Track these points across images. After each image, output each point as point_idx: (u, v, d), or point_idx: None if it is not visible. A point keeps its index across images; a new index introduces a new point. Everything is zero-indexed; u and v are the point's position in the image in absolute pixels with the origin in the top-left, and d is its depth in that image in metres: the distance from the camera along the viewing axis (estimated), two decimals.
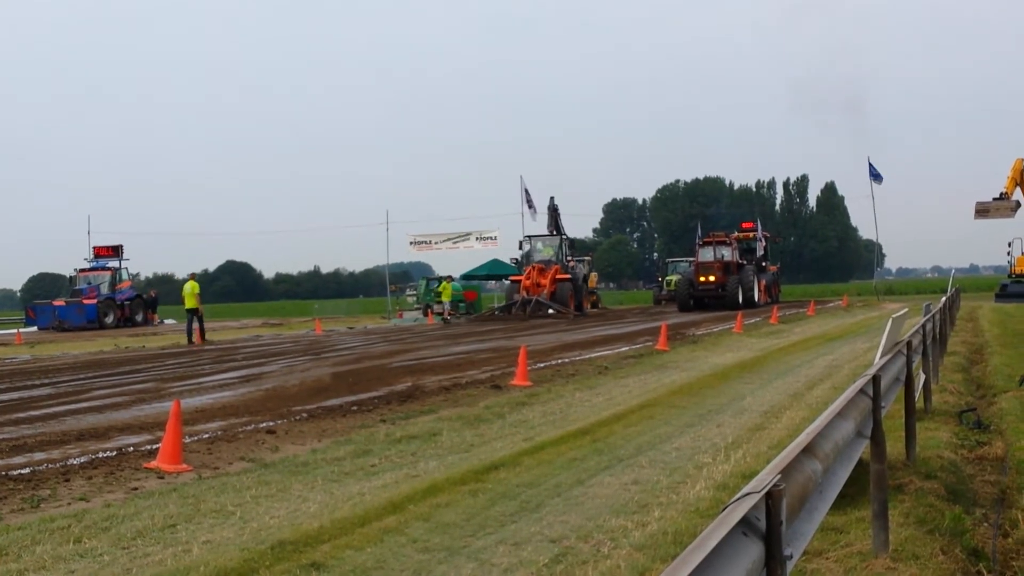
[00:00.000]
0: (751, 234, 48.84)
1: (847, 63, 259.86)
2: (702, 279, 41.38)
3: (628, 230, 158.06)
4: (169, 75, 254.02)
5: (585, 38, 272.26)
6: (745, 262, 43.97)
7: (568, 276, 40.32)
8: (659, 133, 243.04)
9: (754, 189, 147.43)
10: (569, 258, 42.71)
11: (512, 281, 41.83)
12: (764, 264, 47.87)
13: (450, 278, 47.77)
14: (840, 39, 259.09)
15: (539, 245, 42.56)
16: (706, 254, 42.61)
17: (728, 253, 42.66)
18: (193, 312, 28.25)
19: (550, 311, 38.11)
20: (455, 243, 51.31)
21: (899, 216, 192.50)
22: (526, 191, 48.18)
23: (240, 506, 6.59)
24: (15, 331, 39.56)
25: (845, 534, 5.38)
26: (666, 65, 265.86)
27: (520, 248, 42.72)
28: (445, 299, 41.05)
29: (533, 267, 40.37)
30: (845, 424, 4.19)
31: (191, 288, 28.36)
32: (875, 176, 47.58)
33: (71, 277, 46.99)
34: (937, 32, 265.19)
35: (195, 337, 28.11)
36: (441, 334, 28.73)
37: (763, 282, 44.95)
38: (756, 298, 42.10)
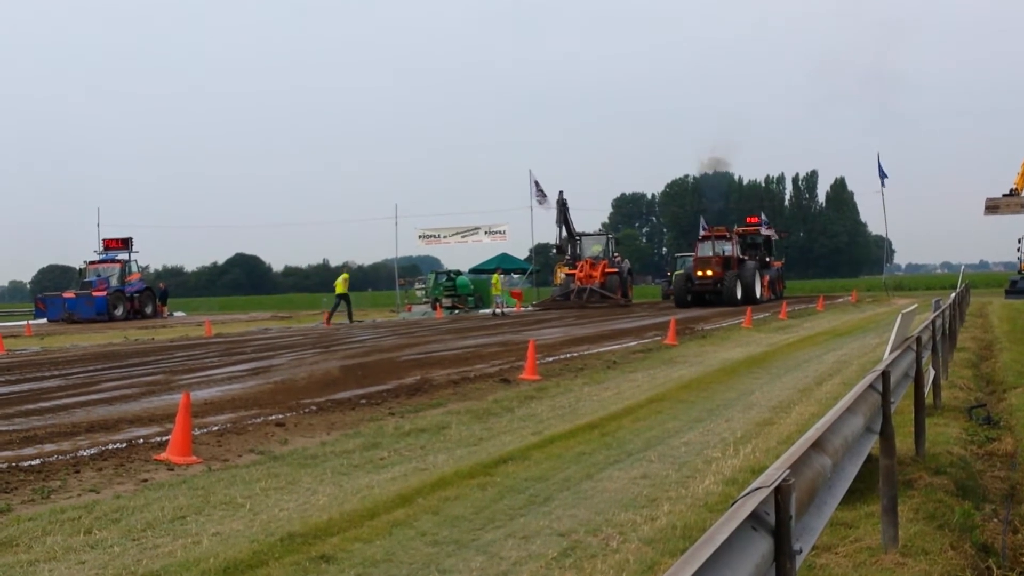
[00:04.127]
0: (755, 228, 48.14)
1: (857, 60, 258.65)
2: (700, 274, 40.74)
3: (637, 225, 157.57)
4: (178, 70, 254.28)
5: (594, 33, 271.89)
6: (747, 257, 43.41)
7: (616, 270, 45.23)
8: (667, 127, 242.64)
9: (763, 184, 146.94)
10: (615, 254, 47.57)
11: (567, 274, 46.16)
12: (768, 259, 47.31)
13: (458, 272, 47.85)
14: (852, 34, 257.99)
15: (589, 242, 48.11)
16: (705, 249, 41.98)
17: (728, 248, 41.91)
18: (341, 297, 34.08)
19: (603, 297, 43.23)
20: (464, 237, 51.42)
21: (909, 212, 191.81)
22: (536, 183, 48.48)
23: (249, 498, 6.62)
24: (25, 323, 39.73)
25: (854, 529, 5.37)
26: (675, 60, 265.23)
27: (572, 244, 47.94)
28: (496, 292, 40.78)
29: (585, 261, 45.51)
30: (855, 419, 4.18)
31: (343, 278, 34.60)
32: (881, 175, 47.35)
33: (81, 269, 47.09)
34: (948, 28, 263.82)
35: (326, 319, 33.69)
36: (450, 328, 28.76)
37: (766, 278, 44.18)
38: (758, 294, 41.27)
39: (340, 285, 34.37)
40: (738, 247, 42.95)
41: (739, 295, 39.61)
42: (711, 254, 41.29)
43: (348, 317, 34.40)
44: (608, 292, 43.94)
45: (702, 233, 44.54)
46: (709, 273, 40.38)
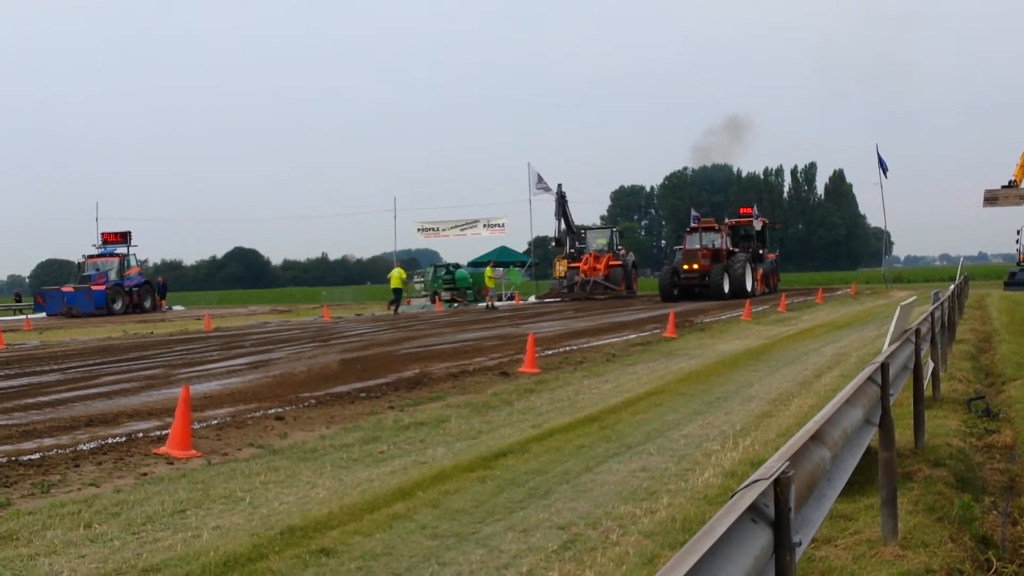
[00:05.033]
0: (748, 220, 47.24)
1: (857, 54, 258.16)
2: (686, 267, 39.77)
3: (636, 217, 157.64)
4: (178, 67, 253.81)
5: (594, 28, 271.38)
6: (739, 249, 42.60)
7: (619, 262, 46.11)
8: (666, 122, 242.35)
9: (762, 176, 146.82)
10: (620, 247, 48.46)
11: (572, 267, 46.93)
12: (762, 251, 46.18)
13: (457, 265, 47.91)
14: (853, 29, 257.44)
15: (593, 236, 49.57)
16: (693, 241, 41.14)
17: (717, 240, 41.02)
18: (397, 291, 36.41)
19: (606, 289, 44.37)
20: (463, 230, 51.56)
21: (908, 204, 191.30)
22: (538, 175, 48.68)
23: (249, 492, 6.62)
24: (24, 317, 39.75)
25: (854, 521, 5.38)
26: (675, 56, 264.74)
27: (571, 237, 49.63)
28: (490, 285, 41.38)
29: (590, 254, 46.42)
30: (854, 412, 4.18)
31: (398, 273, 36.98)
32: (882, 167, 47.06)
33: (79, 263, 47.10)
34: (949, 23, 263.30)
35: (394, 309, 35.93)
36: (448, 321, 28.75)
37: (759, 271, 43.35)
38: (750, 287, 39.94)
39: (395, 279, 36.48)
40: (728, 239, 42.17)
41: (727, 289, 38.68)
42: (698, 247, 40.44)
43: (395, 308, 36.17)
44: (611, 284, 44.42)
45: (691, 225, 43.53)
46: (696, 267, 39.41)
